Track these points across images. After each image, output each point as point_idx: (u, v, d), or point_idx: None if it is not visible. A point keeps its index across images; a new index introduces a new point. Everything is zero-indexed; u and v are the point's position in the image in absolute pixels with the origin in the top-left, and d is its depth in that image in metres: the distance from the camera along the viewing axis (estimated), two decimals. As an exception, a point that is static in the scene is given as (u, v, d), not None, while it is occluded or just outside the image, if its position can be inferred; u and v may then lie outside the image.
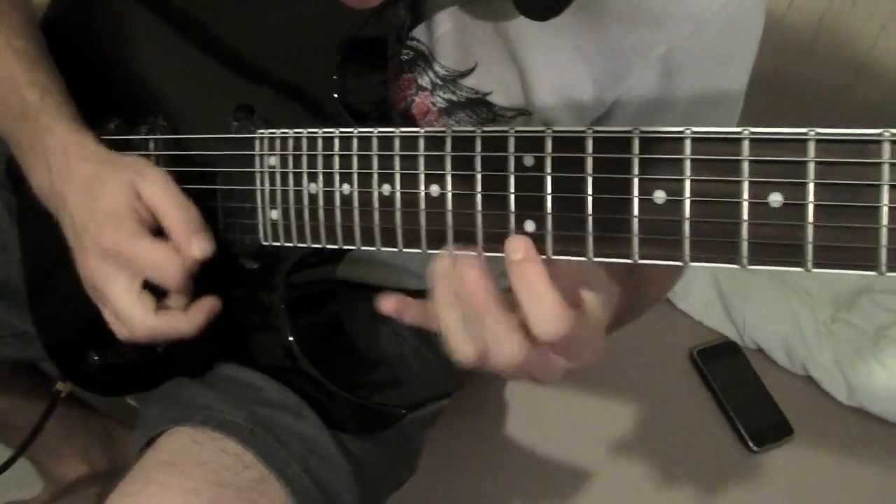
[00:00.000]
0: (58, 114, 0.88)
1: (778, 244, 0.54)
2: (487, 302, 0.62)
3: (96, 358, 1.00)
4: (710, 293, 1.64)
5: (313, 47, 0.81)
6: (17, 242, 1.10)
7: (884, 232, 0.51)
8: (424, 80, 0.88)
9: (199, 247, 0.80)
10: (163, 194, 0.81)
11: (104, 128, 0.94)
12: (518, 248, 0.62)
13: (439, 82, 0.88)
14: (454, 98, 0.88)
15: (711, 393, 1.50)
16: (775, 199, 0.54)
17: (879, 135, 0.51)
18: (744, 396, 1.49)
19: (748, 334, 1.58)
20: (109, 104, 0.95)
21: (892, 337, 1.58)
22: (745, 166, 0.55)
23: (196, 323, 0.84)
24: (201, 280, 0.84)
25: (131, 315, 0.82)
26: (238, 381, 0.91)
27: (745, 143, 0.55)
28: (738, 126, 0.55)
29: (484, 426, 1.40)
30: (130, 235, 0.80)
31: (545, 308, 0.60)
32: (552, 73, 0.84)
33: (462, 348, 0.65)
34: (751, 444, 1.42)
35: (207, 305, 0.85)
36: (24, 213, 1.10)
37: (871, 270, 0.52)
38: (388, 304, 0.70)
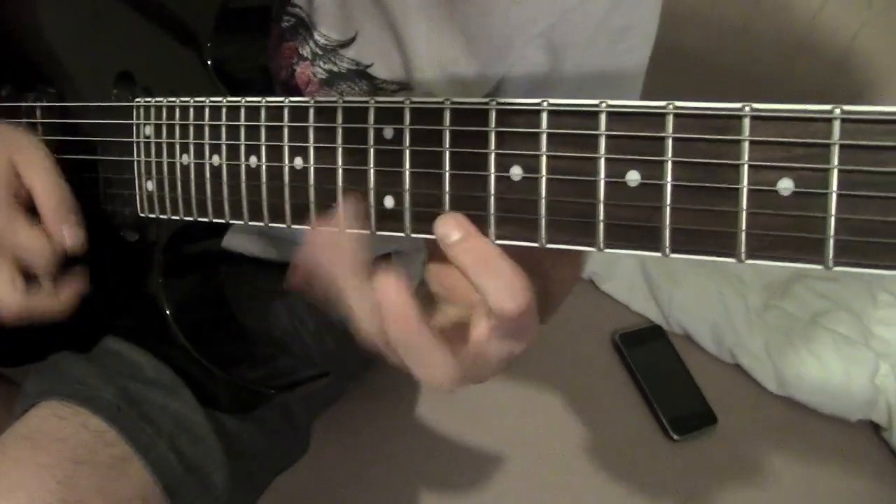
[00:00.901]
0: None
1: (635, 226, 0.51)
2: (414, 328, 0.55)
3: None
4: (635, 275, 1.61)
5: (190, 13, 0.78)
6: None
7: (743, 216, 0.47)
8: (305, 50, 0.86)
9: (69, 234, 0.80)
10: (39, 175, 0.80)
11: None
12: (451, 228, 0.55)
13: (319, 52, 0.86)
14: (335, 69, 0.86)
15: (633, 379, 1.46)
16: (632, 177, 0.51)
17: (740, 109, 0.47)
18: (666, 383, 1.45)
19: (675, 319, 1.55)
20: (3, 71, 0.93)
21: (827, 326, 1.55)
22: (602, 142, 0.51)
23: (66, 302, 0.84)
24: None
25: (1, 294, 0.81)
26: (118, 355, 0.89)
27: (602, 117, 0.51)
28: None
29: (397, 409, 1.37)
30: (4, 217, 0.79)
31: (506, 279, 0.53)
32: (431, 47, 0.81)
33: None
34: (671, 433, 1.39)
35: (77, 284, 0.84)
36: None
37: (729, 257, 0.49)
38: None
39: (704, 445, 1.40)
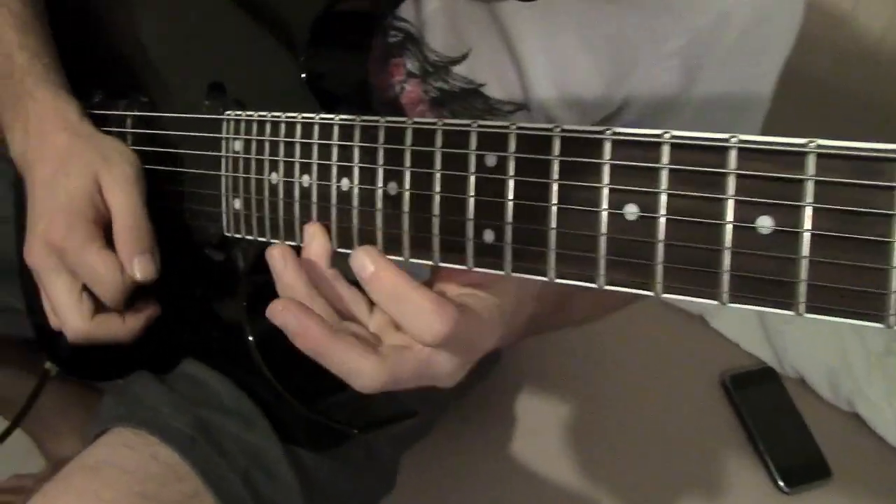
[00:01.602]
0: (44, 79, 0.86)
1: (765, 279, 0.45)
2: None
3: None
4: (747, 312, 1.51)
5: (286, 23, 0.75)
6: (9, 210, 1.08)
7: (894, 275, 0.41)
8: (414, 66, 0.82)
9: (140, 268, 0.78)
10: (119, 197, 0.79)
11: (89, 100, 0.91)
12: (365, 263, 0.58)
13: (430, 69, 0.81)
14: (446, 87, 0.82)
15: (742, 424, 1.39)
16: (764, 223, 0.44)
17: (893, 151, 0.41)
18: (778, 430, 1.38)
19: (789, 361, 1.47)
20: (98, 76, 0.92)
21: (959, 375, 1.45)
22: (732, 181, 0.45)
23: (132, 330, 0.83)
24: (165, 269, 0.81)
25: (67, 316, 0.81)
26: (195, 380, 0.86)
27: (733, 154, 0.45)
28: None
29: (485, 443, 1.33)
30: (80, 238, 0.78)
31: (420, 309, 0.55)
32: (552, 64, 0.76)
33: None
34: (781, 484, 1.31)
35: (146, 313, 0.83)
36: (21, 184, 1.06)
37: (876, 322, 0.42)
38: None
39: (817, 500, 1.32)
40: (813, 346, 1.47)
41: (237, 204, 0.75)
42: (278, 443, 0.82)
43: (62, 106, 0.84)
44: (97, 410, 0.89)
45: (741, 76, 0.76)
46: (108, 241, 0.79)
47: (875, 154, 0.41)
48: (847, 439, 1.40)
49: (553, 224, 0.52)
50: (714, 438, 1.38)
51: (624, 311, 1.28)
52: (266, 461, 0.81)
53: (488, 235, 0.56)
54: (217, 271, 0.82)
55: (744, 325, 1.52)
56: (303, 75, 0.72)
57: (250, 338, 0.79)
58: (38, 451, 1.48)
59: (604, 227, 0.50)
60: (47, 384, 1.08)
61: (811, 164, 0.42)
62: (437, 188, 0.59)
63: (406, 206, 0.61)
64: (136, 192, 0.80)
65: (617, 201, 0.49)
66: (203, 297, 0.85)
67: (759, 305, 0.45)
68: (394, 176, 0.61)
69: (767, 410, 1.40)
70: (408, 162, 0.60)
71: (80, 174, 0.79)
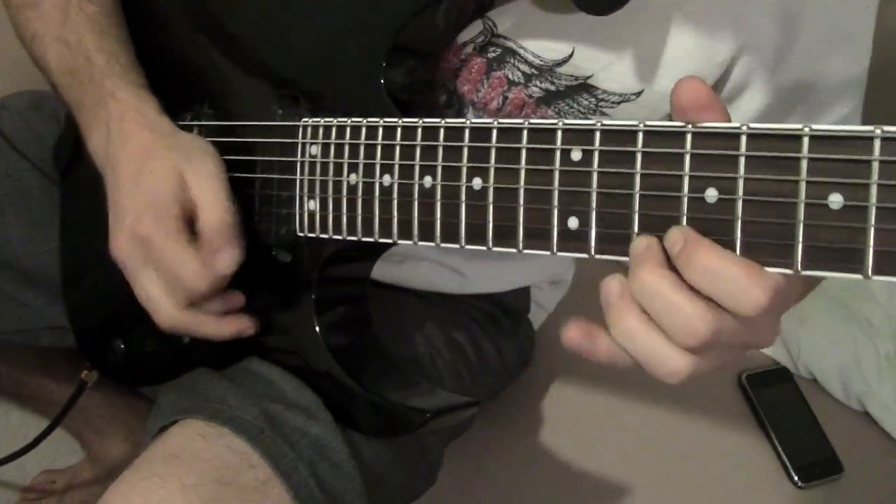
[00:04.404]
0: (123, 79, 0.87)
1: (835, 248, 0.51)
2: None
3: (122, 346, 1.00)
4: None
5: (364, 31, 0.78)
6: (56, 232, 1.11)
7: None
8: (515, 75, 0.85)
9: (224, 260, 0.80)
10: (206, 192, 0.81)
11: None
12: (676, 239, 0.55)
13: (534, 72, 0.84)
14: (552, 88, 0.84)
15: (758, 421, 1.43)
16: (835, 199, 0.50)
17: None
18: (793, 428, 1.42)
19: (802, 362, 1.51)
20: (160, 89, 0.93)
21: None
22: (804, 165, 0.51)
23: (224, 332, 0.85)
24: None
25: (159, 305, 0.82)
26: (256, 375, 0.88)
27: (805, 141, 0.51)
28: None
29: (515, 440, 1.36)
30: (166, 230, 0.79)
31: (736, 282, 0.53)
32: (659, 46, 0.79)
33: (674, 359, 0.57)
34: (796, 479, 1.35)
35: (240, 323, 0.86)
36: (68, 202, 1.11)
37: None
38: (572, 335, 0.60)
39: (829, 495, 1.36)
40: (826, 348, 1.51)
41: (312, 205, 0.79)
42: (339, 434, 0.84)
43: (142, 104, 0.86)
44: (158, 406, 0.91)
45: (841, 27, 0.79)
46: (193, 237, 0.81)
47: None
48: (857, 437, 1.44)
49: (637, 209, 0.58)
50: (731, 435, 1.42)
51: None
52: (329, 452, 0.83)
53: (572, 222, 0.61)
54: (284, 271, 0.85)
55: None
56: (382, 80, 0.76)
57: (316, 328, 0.83)
58: (75, 447, 1.53)
59: (685, 210, 0.56)
60: (94, 390, 1.10)
61: (877, 147, 0.49)
62: (523, 182, 0.63)
63: (491, 199, 0.65)
64: (221, 186, 0.81)
65: (698, 187, 0.55)
66: (268, 296, 0.88)
67: (830, 272, 0.51)
68: (479, 172, 0.66)
69: (782, 409, 1.44)
70: (493, 159, 0.65)
71: (164, 172, 0.80)
